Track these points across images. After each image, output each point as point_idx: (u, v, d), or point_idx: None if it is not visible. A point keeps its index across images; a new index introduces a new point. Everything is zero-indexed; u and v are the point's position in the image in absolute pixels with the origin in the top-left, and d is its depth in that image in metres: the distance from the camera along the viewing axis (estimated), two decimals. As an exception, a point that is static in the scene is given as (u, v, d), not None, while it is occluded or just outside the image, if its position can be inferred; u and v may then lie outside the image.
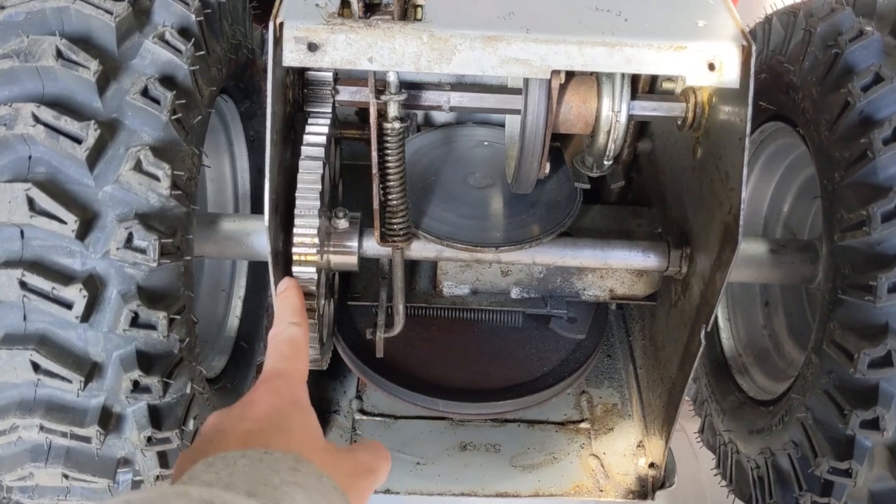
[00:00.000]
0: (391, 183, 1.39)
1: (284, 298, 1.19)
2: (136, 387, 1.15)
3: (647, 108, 1.45)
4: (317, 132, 1.36)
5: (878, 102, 1.24)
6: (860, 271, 1.21)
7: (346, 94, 1.41)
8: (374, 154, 1.35)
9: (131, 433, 1.18)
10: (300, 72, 1.37)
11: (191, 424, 1.26)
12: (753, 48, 1.25)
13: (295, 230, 1.30)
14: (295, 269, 1.30)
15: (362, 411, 1.85)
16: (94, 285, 1.12)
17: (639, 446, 1.80)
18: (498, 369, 1.74)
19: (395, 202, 1.42)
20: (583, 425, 1.86)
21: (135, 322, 1.13)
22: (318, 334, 1.38)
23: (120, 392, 1.15)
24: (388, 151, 1.37)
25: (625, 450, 1.80)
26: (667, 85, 1.55)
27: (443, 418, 1.82)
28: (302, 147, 1.32)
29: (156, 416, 1.19)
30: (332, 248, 1.46)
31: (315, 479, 0.75)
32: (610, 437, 1.84)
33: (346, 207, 1.48)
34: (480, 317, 1.72)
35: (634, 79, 1.46)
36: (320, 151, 1.32)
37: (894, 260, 1.17)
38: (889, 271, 1.16)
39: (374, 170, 1.36)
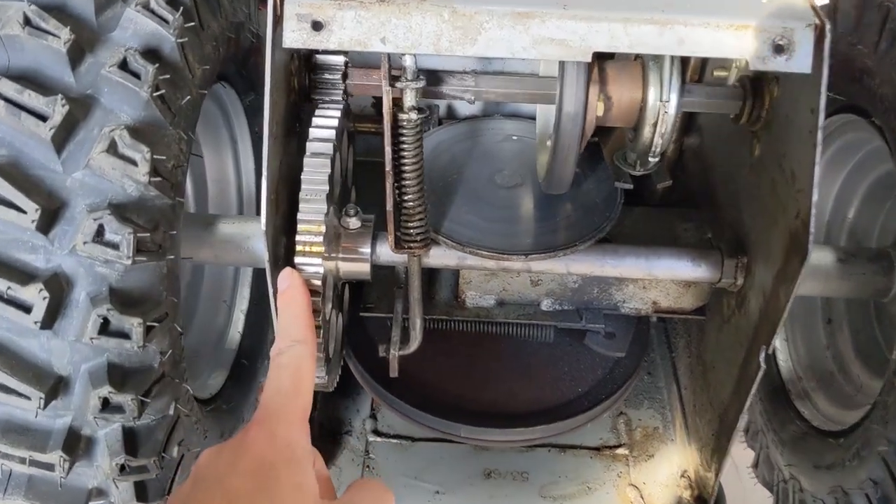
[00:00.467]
0: (407, 181, 1.24)
1: (288, 302, 1.03)
2: (107, 405, 1.00)
3: (700, 99, 1.29)
4: (325, 123, 1.20)
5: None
6: None
7: (357, 80, 1.26)
8: (388, 149, 1.20)
9: (102, 460, 1.04)
10: (307, 56, 1.23)
11: (174, 451, 1.11)
12: (828, 27, 1.08)
13: (299, 216, 1.14)
14: (298, 260, 1.13)
15: (376, 432, 1.71)
16: (59, 286, 0.97)
17: (683, 476, 1.63)
18: (526, 390, 1.59)
19: (411, 203, 1.26)
20: (620, 451, 1.70)
21: (105, 329, 0.98)
22: (324, 354, 1.21)
23: (88, 411, 1.00)
24: (404, 146, 1.22)
25: (667, 479, 1.64)
26: (718, 73, 1.41)
27: (465, 443, 1.65)
28: (309, 131, 1.17)
29: (131, 441, 1.05)
30: (341, 255, 1.30)
31: None
32: (650, 464, 1.68)
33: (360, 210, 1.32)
34: (507, 331, 1.57)
35: (683, 65, 1.30)
36: (329, 140, 1.16)
37: None
38: None
39: (388, 166, 1.21)
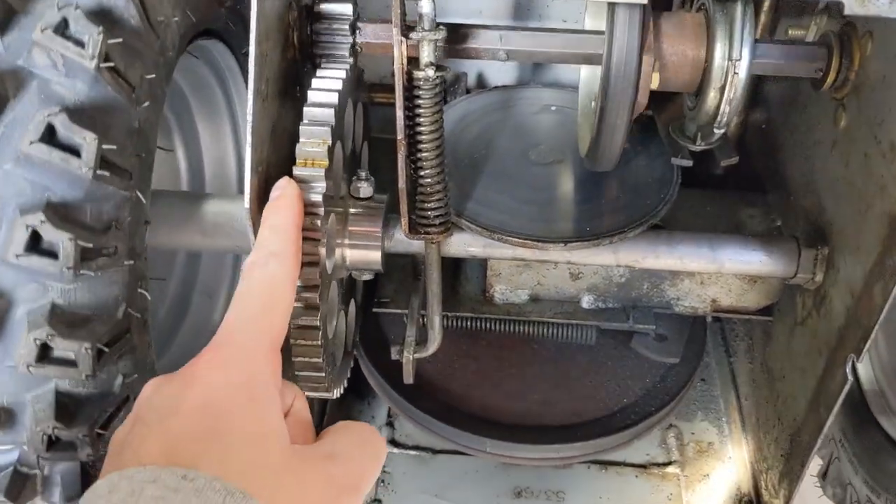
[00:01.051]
0: (424, 153, 1.06)
1: (273, 212, 0.86)
2: (55, 443, 0.84)
3: (775, 60, 1.11)
4: (327, 86, 1.01)
5: None
6: None
7: (369, 37, 1.10)
8: (400, 113, 1.02)
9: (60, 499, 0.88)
10: (309, 6, 1.07)
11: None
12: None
13: (303, 118, 0.97)
14: (297, 171, 0.94)
15: (394, 442, 1.57)
16: None
17: (744, 501, 1.44)
18: (563, 400, 1.44)
19: (428, 180, 1.08)
20: (670, 469, 1.55)
21: (45, 356, 0.82)
22: (324, 359, 1.03)
23: (33, 450, 0.85)
24: (421, 110, 1.04)
25: (725, 503, 1.48)
26: (794, 31, 1.24)
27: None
28: (308, 97, 0.99)
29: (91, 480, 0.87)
30: (348, 241, 1.12)
31: None
32: (705, 485, 1.53)
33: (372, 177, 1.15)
34: (542, 331, 1.41)
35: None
36: (330, 109, 0.97)
37: None
38: None
39: (400, 135, 1.03)
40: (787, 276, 1.18)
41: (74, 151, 0.82)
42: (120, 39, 0.86)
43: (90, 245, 0.83)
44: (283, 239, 0.82)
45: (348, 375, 1.23)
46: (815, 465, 1.46)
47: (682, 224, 1.31)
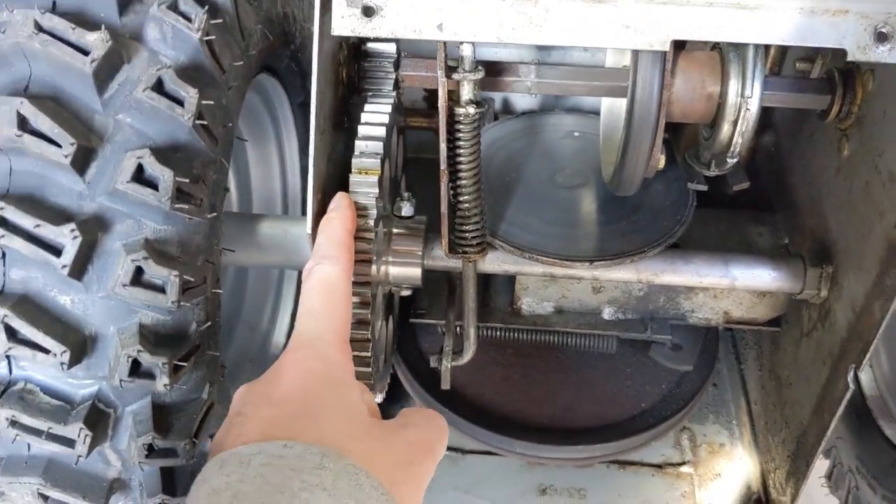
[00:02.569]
0: (463, 181, 1.16)
1: (327, 223, 0.95)
2: (136, 369, 0.93)
3: (784, 94, 1.19)
4: (376, 120, 1.11)
5: None
6: None
7: (410, 71, 1.19)
8: (443, 146, 1.11)
9: (128, 438, 0.96)
10: (356, 46, 1.16)
11: (207, 444, 1.03)
12: (940, 12, 0.97)
13: (358, 137, 1.07)
14: (353, 178, 1.05)
15: (425, 443, 1.61)
16: (93, 230, 0.90)
17: (753, 499, 1.53)
18: (586, 405, 1.54)
19: (467, 205, 1.18)
20: (684, 469, 1.63)
21: (138, 279, 0.91)
22: (373, 367, 1.13)
23: (116, 375, 0.92)
24: (461, 143, 1.13)
25: (736, 501, 1.56)
26: (801, 65, 1.31)
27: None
28: (358, 130, 1.09)
29: (161, 418, 0.97)
30: (391, 258, 1.21)
31: (347, 478, 0.64)
32: (717, 484, 1.61)
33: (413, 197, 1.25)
34: (566, 341, 1.49)
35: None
36: (381, 138, 1.07)
37: None
38: None
39: (443, 165, 1.13)
40: (794, 291, 1.27)
41: (179, 102, 0.93)
42: (221, 20, 0.99)
43: (185, 183, 0.92)
44: (336, 244, 0.91)
45: (388, 381, 1.33)
46: (822, 465, 1.55)
47: (696, 242, 1.39)
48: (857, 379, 1.13)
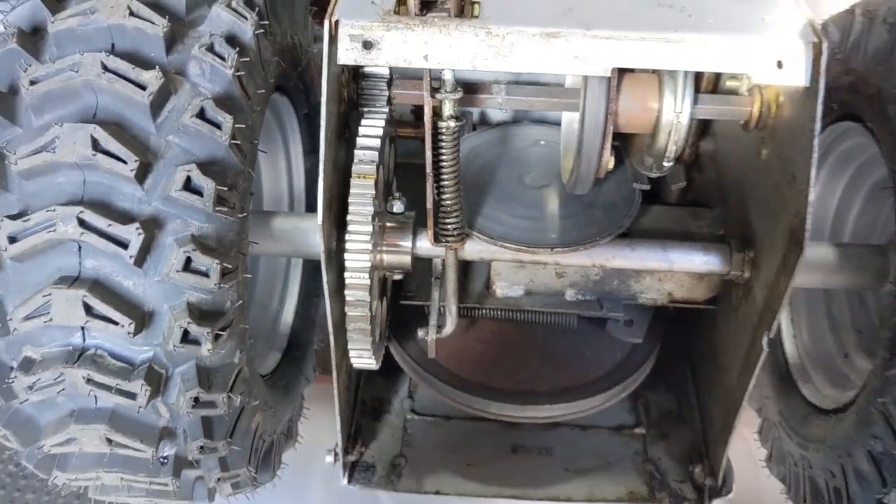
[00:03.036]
0: (445, 182, 1.38)
1: None
2: (186, 337, 1.14)
3: (711, 108, 1.42)
4: (372, 132, 1.34)
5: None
6: None
7: (400, 90, 1.40)
8: (429, 153, 1.34)
9: (177, 393, 1.17)
10: (355, 70, 1.36)
11: (238, 399, 1.25)
12: (825, 45, 1.21)
13: (357, 147, 1.30)
14: (353, 182, 1.29)
15: (414, 411, 1.86)
16: (151, 228, 1.12)
17: (696, 453, 1.75)
18: (552, 372, 1.73)
19: (449, 202, 1.40)
20: (638, 430, 1.84)
21: (187, 266, 1.13)
22: (371, 336, 1.36)
23: (170, 342, 1.14)
24: (443, 150, 1.36)
25: (681, 456, 1.77)
26: (731, 83, 1.52)
27: (494, 420, 1.80)
28: (357, 141, 1.31)
29: (203, 377, 1.19)
30: (385, 248, 1.45)
31: None
32: (666, 442, 1.81)
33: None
34: (534, 318, 1.69)
35: (697, 77, 1.43)
36: (376, 148, 1.31)
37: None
38: None
39: (429, 169, 1.35)
40: (722, 273, 1.49)
41: (217, 126, 1.15)
42: (248, 59, 1.20)
43: (223, 191, 1.14)
44: None
45: (383, 353, 1.56)
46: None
47: (645, 233, 1.60)
48: (769, 343, 1.36)
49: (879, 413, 1.24)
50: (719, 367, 1.65)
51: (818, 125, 1.22)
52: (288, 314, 1.76)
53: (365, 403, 1.84)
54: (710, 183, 1.75)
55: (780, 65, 1.23)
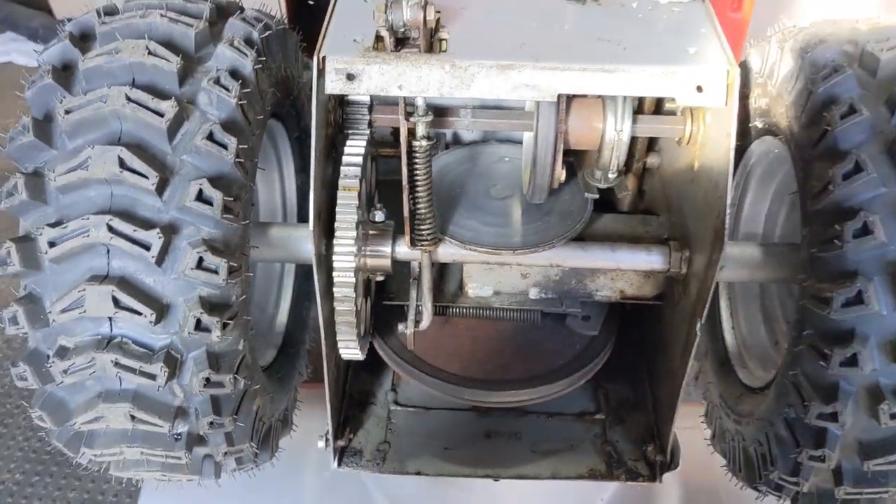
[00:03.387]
0: (419, 193, 1.57)
1: None
2: (198, 325, 1.33)
3: (648, 127, 1.62)
4: (355, 151, 1.55)
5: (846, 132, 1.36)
6: (828, 225, 1.33)
7: (380, 115, 1.59)
8: (405, 168, 1.54)
9: (190, 377, 1.36)
10: (340, 98, 1.55)
11: (241, 382, 1.44)
12: (737, 72, 1.42)
13: (342, 164, 1.50)
14: (340, 194, 1.49)
15: (397, 402, 2.04)
16: (169, 233, 1.30)
17: (650, 435, 1.94)
18: (518, 362, 1.91)
19: (423, 210, 1.60)
20: (598, 416, 2.01)
21: (199, 265, 1.31)
22: (357, 329, 1.57)
23: (185, 329, 1.32)
24: (417, 166, 1.55)
25: (636, 438, 1.95)
26: (670, 105, 1.71)
27: (470, 409, 1.99)
28: (343, 159, 1.52)
29: (213, 361, 1.37)
30: (368, 252, 1.65)
31: None
32: (623, 427, 1.99)
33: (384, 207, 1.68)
34: (503, 315, 1.87)
35: (641, 100, 1.63)
36: (359, 164, 1.52)
37: (856, 212, 1.29)
38: (851, 220, 1.28)
39: (405, 182, 1.55)
40: (663, 270, 1.68)
41: (224, 146, 1.34)
42: (249, 90, 1.40)
43: (229, 201, 1.33)
44: None
45: (368, 347, 1.76)
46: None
47: (597, 238, 1.78)
48: (701, 329, 1.56)
49: (791, 385, 1.44)
50: (666, 356, 1.84)
51: (734, 140, 1.43)
52: (283, 315, 1.96)
53: (352, 396, 2.03)
54: (657, 192, 1.95)
55: (699, 89, 1.44)
